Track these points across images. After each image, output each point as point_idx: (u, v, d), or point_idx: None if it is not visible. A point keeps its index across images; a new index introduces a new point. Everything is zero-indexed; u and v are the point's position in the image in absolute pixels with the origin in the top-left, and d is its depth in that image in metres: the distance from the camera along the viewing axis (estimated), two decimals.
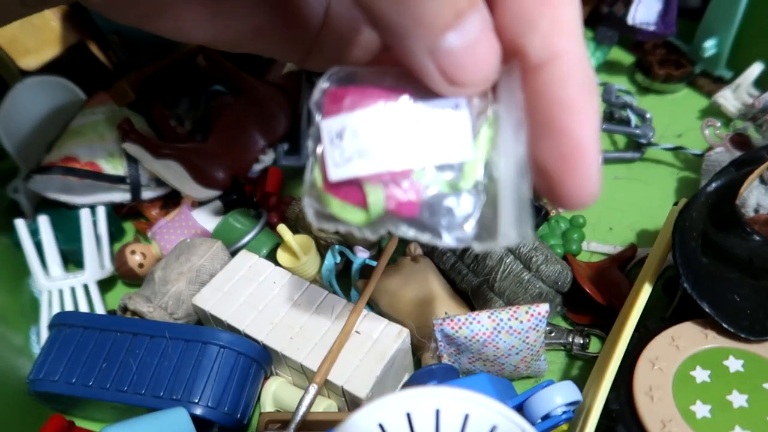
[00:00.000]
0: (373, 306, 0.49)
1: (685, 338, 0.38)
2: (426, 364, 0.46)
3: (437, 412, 0.33)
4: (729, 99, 0.59)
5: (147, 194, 0.61)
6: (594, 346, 0.47)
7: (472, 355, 0.44)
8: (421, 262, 0.50)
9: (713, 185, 0.40)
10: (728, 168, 0.42)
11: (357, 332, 0.45)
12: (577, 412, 0.40)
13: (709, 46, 0.61)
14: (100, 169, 0.59)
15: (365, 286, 0.47)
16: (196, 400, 0.41)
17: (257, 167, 0.64)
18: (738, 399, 0.35)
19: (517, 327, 0.42)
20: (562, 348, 0.47)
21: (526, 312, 0.42)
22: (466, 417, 0.33)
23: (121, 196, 0.60)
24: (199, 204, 0.61)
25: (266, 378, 0.47)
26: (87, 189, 0.58)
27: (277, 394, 0.47)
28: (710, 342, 0.37)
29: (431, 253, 0.50)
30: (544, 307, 0.42)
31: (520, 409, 0.38)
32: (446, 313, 0.44)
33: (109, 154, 0.60)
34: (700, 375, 0.36)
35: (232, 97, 0.65)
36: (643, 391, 0.36)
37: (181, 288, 0.49)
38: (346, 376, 0.43)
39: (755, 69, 0.58)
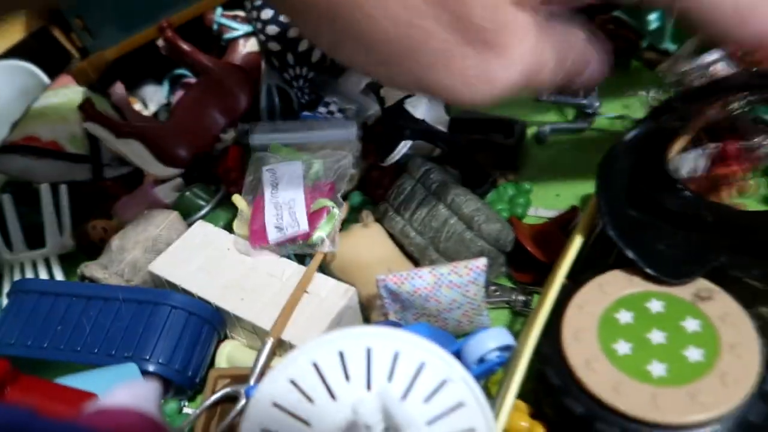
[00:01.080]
0: (325, 270, 0.51)
1: (612, 284, 0.40)
2: (374, 322, 0.48)
3: (368, 350, 0.34)
4: (671, 70, 0.61)
5: (110, 173, 0.62)
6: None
7: (416, 311, 0.45)
8: (371, 227, 0.52)
9: (631, 134, 0.42)
10: (645, 119, 0.44)
11: (306, 291, 0.46)
12: (512, 358, 0.41)
13: (653, 19, 0.63)
14: (61, 149, 0.60)
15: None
16: (147, 357, 0.42)
17: (219, 146, 0.66)
18: (657, 336, 0.36)
19: (457, 281, 0.44)
20: (507, 306, 0.49)
21: (466, 266, 0.43)
22: (396, 354, 0.34)
23: (84, 174, 0.61)
24: (161, 181, 0.63)
25: (221, 341, 0.49)
26: (49, 168, 0.60)
27: (231, 355, 0.48)
28: (635, 287, 0.39)
29: (381, 218, 0.52)
30: (482, 261, 0.44)
31: (457, 356, 0.40)
32: (389, 270, 0.45)
33: (72, 134, 0.61)
34: (624, 317, 0.38)
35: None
36: (571, 334, 0.38)
37: (138, 256, 0.50)
38: (293, 332, 0.44)
39: (692, 43, 0.60)
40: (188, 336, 0.44)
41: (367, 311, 0.49)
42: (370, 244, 0.50)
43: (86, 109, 0.61)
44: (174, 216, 0.53)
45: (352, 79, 0.60)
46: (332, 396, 0.33)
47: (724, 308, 0.36)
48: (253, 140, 0.56)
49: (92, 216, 0.61)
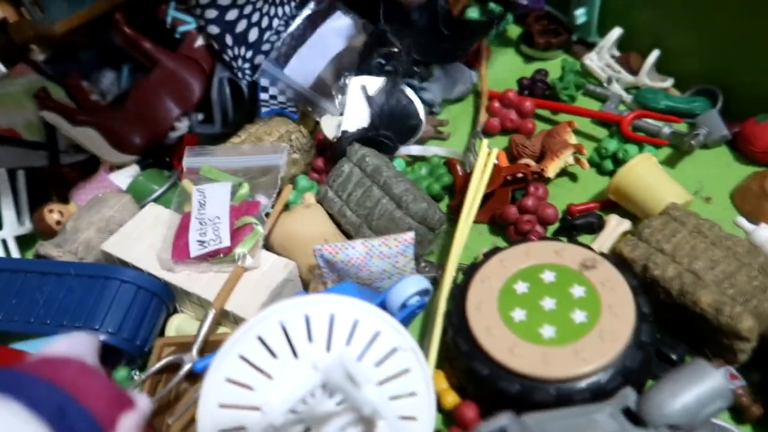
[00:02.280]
0: (269, 247, 0.55)
1: (511, 259, 0.44)
2: (314, 292, 0.52)
3: (307, 317, 0.39)
4: (594, 60, 0.66)
5: (66, 159, 0.65)
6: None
7: (350, 279, 0.49)
8: (312, 207, 0.56)
9: None
10: None
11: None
12: (428, 329, 0.46)
13: (580, 14, 0.68)
14: (18, 136, 0.63)
15: None
16: (97, 327, 0.46)
17: (174, 134, 0.69)
18: (548, 303, 0.41)
19: (386, 252, 0.48)
20: (436, 280, 0.54)
21: (395, 239, 0.48)
22: (332, 317, 0.39)
23: (40, 161, 0.64)
24: (116, 167, 0.66)
25: (170, 314, 0.52)
26: (6, 154, 0.62)
27: (180, 327, 0.52)
28: (531, 260, 0.44)
29: (322, 199, 0.56)
30: (410, 234, 0.48)
31: (383, 307, 0.44)
32: (326, 241, 0.49)
33: (28, 121, 0.64)
34: (521, 287, 0.43)
35: None
36: (474, 305, 0.43)
37: (91, 235, 0.54)
38: (236, 303, 0.48)
39: (614, 33, 0.65)
40: (137, 308, 0.48)
41: (308, 283, 0.53)
42: (309, 223, 0.54)
43: (42, 97, 0.63)
44: (127, 198, 0.57)
45: (298, 71, 0.64)
46: (295, 354, 0.37)
47: (605, 274, 0.41)
48: (186, 163, 0.58)
49: (49, 200, 0.64)
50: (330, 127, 0.58)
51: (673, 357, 0.41)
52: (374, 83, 0.59)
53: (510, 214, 0.53)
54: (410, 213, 0.51)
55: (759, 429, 0.40)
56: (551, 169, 0.55)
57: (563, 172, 0.58)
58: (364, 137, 0.56)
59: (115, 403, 0.28)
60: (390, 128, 0.58)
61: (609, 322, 0.39)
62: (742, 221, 0.48)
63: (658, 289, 0.43)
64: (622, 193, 0.51)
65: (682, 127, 0.60)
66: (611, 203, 0.54)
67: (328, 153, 0.62)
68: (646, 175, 0.50)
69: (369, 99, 0.57)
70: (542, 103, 0.64)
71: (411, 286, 0.43)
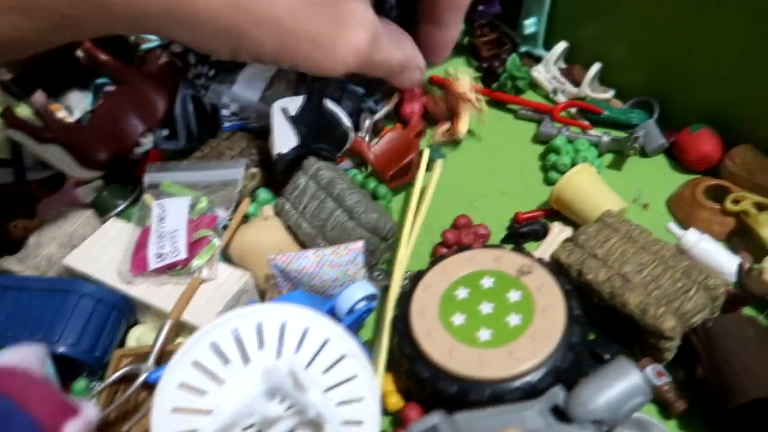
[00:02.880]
0: (227, 258, 0.57)
1: (454, 266, 0.47)
2: (269, 299, 0.54)
3: (259, 325, 0.41)
4: (542, 72, 0.69)
5: (32, 175, 0.67)
6: None
7: (305, 288, 0.51)
8: (270, 220, 0.58)
9: None
10: None
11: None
12: (377, 334, 0.48)
13: (529, 24, 0.70)
14: None
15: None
16: (56, 339, 0.47)
17: (139, 150, 0.70)
18: (486, 308, 0.43)
19: (337, 261, 0.50)
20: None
21: (346, 248, 0.50)
22: (284, 324, 0.41)
23: (6, 177, 0.65)
24: (82, 182, 0.67)
25: (131, 326, 0.54)
26: None
27: (140, 338, 0.53)
28: (473, 267, 0.46)
29: (280, 212, 0.58)
30: (359, 243, 0.50)
31: (332, 312, 0.46)
32: (280, 251, 0.51)
33: None
34: (461, 293, 0.45)
35: None
36: (417, 311, 0.45)
37: (53, 251, 0.55)
38: (192, 314, 0.50)
39: (560, 46, 0.68)
40: (96, 320, 0.49)
41: (265, 293, 0.55)
42: (267, 234, 0.56)
43: (7, 116, 0.65)
44: (89, 213, 0.58)
45: (246, 88, 0.66)
46: (246, 361, 0.39)
47: (540, 280, 0.44)
48: (147, 179, 0.59)
49: (15, 216, 0.65)
50: (273, 144, 0.60)
51: (606, 357, 0.44)
52: (295, 103, 0.61)
53: (449, 239, 0.56)
54: (361, 223, 0.53)
55: (683, 423, 0.42)
56: (461, 127, 0.60)
57: (514, 180, 0.61)
58: (300, 154, 0.58)
59: (60, 410, 0.30)
60: (321, 141, 0.60)
61: (541, 325, 0.41)
62: (673, 227, 0.51)
63: (591, 293, 0.45)
64: (562, 202, 0.54)
65: (619, 134, 0.63)
66: (556, 211, 0.57)
67: None
68: (584, 184, 0.52)
69: (292, 119, 0.59)
70: (482, 90, 0.68)
71: (357, 292, 0.45)
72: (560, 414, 0.38)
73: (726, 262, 0.48)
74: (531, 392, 0.40)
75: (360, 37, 0.37)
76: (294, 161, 0.58)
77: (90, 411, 0.31)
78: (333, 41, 0.34)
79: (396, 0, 0.54)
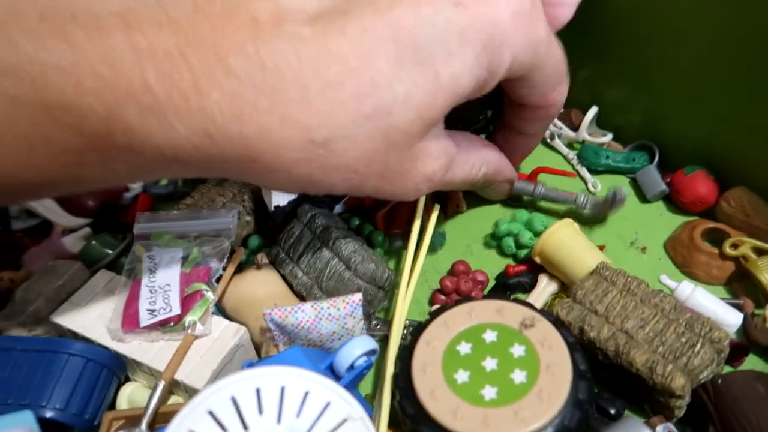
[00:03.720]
0: (221, 310, 0.55)
1: (455, 319, 0.46)
2: (267, 355, 0.52)
3: (257, 390, 0.40)
4: None
5: (18, 225, 0.65)
6: None
7: (302, 341, 0.50)
8: (264, 269, 0.56)
9: None
10: None
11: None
12: (378, 392, 0.47)
13: None
14: None
15: None
16: (44, 404, 0.45)
17: (128, 195, 0.69)
18: (490, 363, 0.42)
19: (335, 314, 0.49)
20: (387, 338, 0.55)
21: (343, 301, 0.49)
22: (283, 389, 0.39)
23: None
24: (69, 231, 0.66)
25: (122, 384, 0.52)
26: None
27: (131, 397, 0.51)
28: (473, 320, 0.45)
29: (274, 260, 0.57)
30: (357, 296, 0.49)
31: (332, 369, 0.45)
32: (275, 305, 0.50)
33: None
34: (464, 348, 0.44)
35: None
36: (419, 368, 0.44)
37: (40, 306, 0.53)
38: (185, 372, 0.48)
39: None
40: (86, 381, 0.47)
41: (260, 346, 0.53)
42: (261, 285, 0.55)
43: None
44: (77, 266, 0.57)
45: None
46: (245, 428, 0.37)
47: (543, 333, 0.43)
48: (137, 229, 0.58)
49: (1, 267, 0.64)
50: (271, 195, 0.59)
51: (612, 412, 0.43)
52: None
53: (447, 286, 0.55)
54: (359, 274, 0.52)
55: None
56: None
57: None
58: (297, 206, 0.58)
59: None
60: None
61: (547, 382, 0.40)
62: (665, 279, 0.50)
63: (595, 350, 0.44)
64: (544, 257, 0.53)
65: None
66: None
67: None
68: (565, 240, 0.52)
69: None
70: None
71: (357, 348, 0.44)
72: None
73: (722, 312, 0.48)
74: None
75: (433, 168, 0.39)
76: (291, 212, 0.57)
77: None
78: (403, 177, 0.38)
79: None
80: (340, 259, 0.53)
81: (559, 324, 0.44)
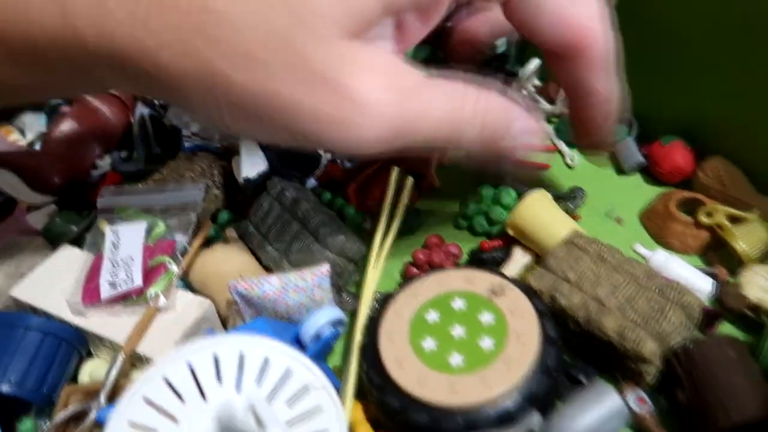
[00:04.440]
0: (187, 285, 0.54)
1: (423, 288, 0.44)
2: (231, 327, 0.51)
3: (215, 358, 0.38)
4: (515, 91, 0.68)
5: None
6: None
7: (268, 314, 0.49)
8: (233, 243, 0.55)
9: None
10: None
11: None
12: (345, 364, 0.46)
13: (500, 44, 0.69)
14: None
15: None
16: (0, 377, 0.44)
17: (96, 173, 0.68)
18: (458, 331, 0.41)
19: (302, 285, 0.48)
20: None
21: (311, 272, 0.48)
22: (242, 355, 0.38)
23: None
24: (34, 207, 0.64)
25: (83, 359, 0.50)
26: None
27: (94, 373, 0.50)
28: (442, 288, 0.44)
29: (243, 234, 0.55)
30: (325, 267, 0.48)
31: (298, 341, 0.44)
32: (241, 276, 0.49)
33: None
34: (432, 316, 0.43)
35: None
36: (386, 337, 0.42)
37: (0, 282, 0.52)
38: (147, 346, 0.47)
39: (533, 64, 0.67)
40: (43, 355, 0.46)
41: (227, 320, 0.52)
42: (229, 259, 0.54)
43: None
44: (39, 241, 0.55)
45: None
46: (203, 396, 0.36)
47: (514, 301, 0.42)
48: (101, 203, 0.56)
49: None
50: (240, 167, 0.58)
51: (582, 380, 0.42)
52: None
53: (419, 259, 0.54)
54: (327, 245, 0.51)
55: None
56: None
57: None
58: (267, 179, 0.56)
59: None
60: (291, 165, 0.58)
61: (516, 349, 0.39)
62: (640, 248, 0.50)
63: (567, 318, 0.43)
64: (518, 230, 0.52)
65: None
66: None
67: None
68: (540, 211, 0.51)
69: (261, 143, 0.57)
70: None
71: (322, 317, 0.43)
72: None
73: (696, 279, 0.47)
74: (506, 419, 0.37)
75: (375, 87, 0.28)
76: (261, 185, 0.56)
77: None
78: (335, 94, 0.27)
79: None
80: (308, 231, 0.52)
81: (530, 293, 0.43)
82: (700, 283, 0.46)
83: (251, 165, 0.57)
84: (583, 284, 0.44)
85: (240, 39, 0.26)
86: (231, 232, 0.56)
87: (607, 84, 0.39)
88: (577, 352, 0.45)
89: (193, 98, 0.28)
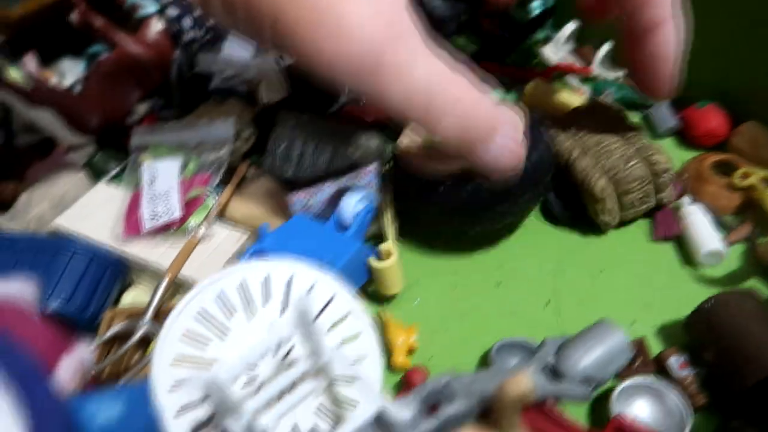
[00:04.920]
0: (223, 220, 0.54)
1: None
2: None
3: (267, 278, 0.39)
4: (551, 53, 0.68)
5: (23, 139, 0.64)
6: None
7: None
8: (262, 180, 0.56)
9: None
10: None
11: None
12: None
13: (536, 6, 0.70)
14: None
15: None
16: (48, 296, 0.45)
17: (132, 117, 0.69)
18: None
19: (356, 184, 0.50)
20: None
21: (358, 173, 0.50)
22: (291, 279, 0.39)
23: None
24: (74, 148, 0.65)
25: (125, 288, 0.52)
26: None
27: (135, 301, 0.51)
28: None
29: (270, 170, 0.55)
30: (373, 165, 0.50)
31: (337, 226, 0.49)
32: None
33: None
34: None
35: None
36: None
37: (44, 211, 0.53)
38: (190, 272, 0.48)
39: (569, 27, 0.68)
40: (89, 278, 0.47)
41: None
42: (261, 194, 0.54)
43: None
44: (81, 175, 0.56)
45: (237, 48, 0.65)
46: (252, 314, 0.37)
47: None
48: (134, 142, 0.57)
49: (4, 179, 0.63)
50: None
51: (556, 211, 0.51)
52: None
53: None
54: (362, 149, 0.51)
55: (701, 416, 0.41)
56: None
57: None
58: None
59: (56, 345, 0.28)
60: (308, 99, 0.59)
61: None
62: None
63: (559, 159, 0.50)
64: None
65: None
66: None
67: None
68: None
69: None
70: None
71: (354, 196, 0.48)
72: (554, 373, 0.38)
73: (708, 234, 0.49)
74: None
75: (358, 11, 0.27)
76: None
77: (83, 348, 0.30)
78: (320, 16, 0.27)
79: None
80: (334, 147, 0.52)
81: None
82: (710, 238, 0.48)
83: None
84: (581, 136, 0.50)
85: None
86: (247, 168, 0.56)
87: (675, 14, 0.40)
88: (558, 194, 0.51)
89: None
